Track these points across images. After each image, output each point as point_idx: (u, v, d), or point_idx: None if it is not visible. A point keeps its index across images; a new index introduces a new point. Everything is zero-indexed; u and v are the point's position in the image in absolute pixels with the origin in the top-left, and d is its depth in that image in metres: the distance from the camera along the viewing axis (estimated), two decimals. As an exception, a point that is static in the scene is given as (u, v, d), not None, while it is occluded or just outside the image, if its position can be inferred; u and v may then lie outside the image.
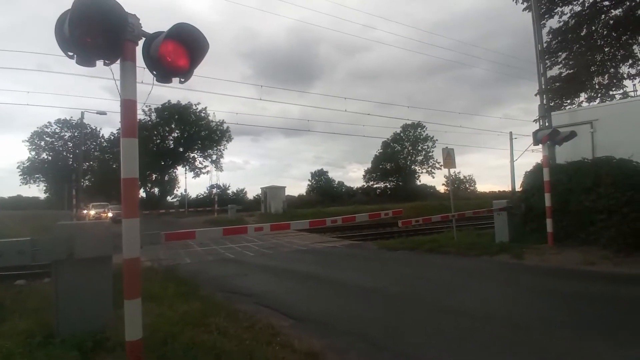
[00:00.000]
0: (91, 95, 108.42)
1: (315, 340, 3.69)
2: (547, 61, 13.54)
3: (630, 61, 15.28)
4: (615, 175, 7.56)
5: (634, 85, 15.67)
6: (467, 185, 74.14)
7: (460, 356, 3.30)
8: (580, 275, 6.24)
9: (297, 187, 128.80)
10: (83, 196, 34.82)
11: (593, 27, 14.83)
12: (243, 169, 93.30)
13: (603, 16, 14.61)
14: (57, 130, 57.43)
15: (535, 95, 12.44)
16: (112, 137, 53.00)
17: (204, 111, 49.32)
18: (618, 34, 14.55)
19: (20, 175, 56.90)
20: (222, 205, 35.96)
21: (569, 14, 14.78)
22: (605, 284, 5.62)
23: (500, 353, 3.31)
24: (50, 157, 57.12)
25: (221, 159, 52.78)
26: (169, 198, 53.96)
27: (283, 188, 33.70)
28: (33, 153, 56.63)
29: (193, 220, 30.57)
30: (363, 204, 42.90)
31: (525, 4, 14.46)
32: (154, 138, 48.88)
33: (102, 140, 58.24)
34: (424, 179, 66.06)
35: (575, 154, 9.22)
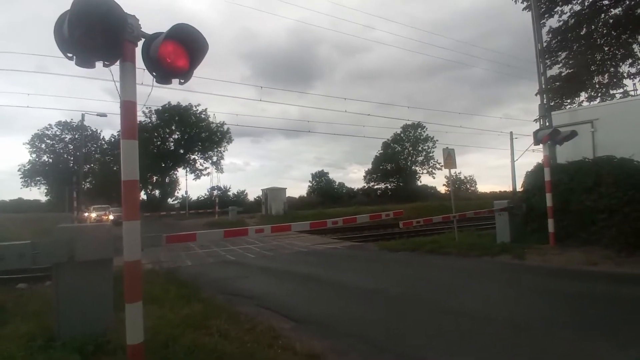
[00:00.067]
0: (91, 97, 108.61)
1: (317, 342, 3.68)
2: (547, 61, 13.54)
3: (630, 60, 15.28)
4: (617, 174, 7.55)
5: (634, 84, 15.67)
6: (468, 186, 74.09)
7: (462, 357, 3.28)
8: (582, 275, 6.22)
9: (297, 188, 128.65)
10: (84, 199, 34.81)
11: (593, 26, 14.83)
12: (243, 170, 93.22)
13: (603, 15, 14.61)
14: (57, 133, 57.49)
15: (536, 94, 12.45)
16: (113, 139, 53.03)
17: (204, 113, 49.41)
18: (618, 33, 14.54)
19: (21, 178, 56.93)
20: (222, 207, 35.94)
21: (568, 13, 14.78)
22: (607, 284, 5.60)
23: (501, 354, 3.30)
24: (51, 160, 57.15)
25: (222, 161, 52.82)
26: (169, 200, 53.99)
27: (284, 189, 33.70)
28: (34, 156, 56.70)
29: (194, 222, 30.56)
30: (364, 205, 42.85)
31: (525, 4, 14.46)
32: (155, 140, 48.90)
33: (103, 142, 58.30)
34: (425, 180, 66.03)
35: (576, 154, 9.20)
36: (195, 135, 49.64)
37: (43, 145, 57.06)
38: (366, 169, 66.07)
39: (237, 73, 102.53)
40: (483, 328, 3.95)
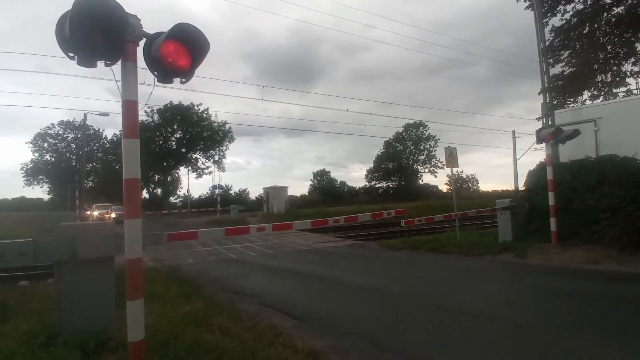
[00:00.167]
0: (94, 97, 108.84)
1: (318, 340, 3.69)
2: (549, 59, 13.48)
3: (633, 59, 15.20)
4: (620, 173, 7.52)
5: (637, 82, 15.61)
6: (470, 185, 74.04)
7: (463, 356, 3.28)
8: (584, 274, 6.21)
9: (299, 187, 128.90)
10: (86, 197, 34.91)
11: (595, 25, 14.76)
12: (245, 169, 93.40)
13: (605, 14, 14.54)
14: (60, 132, 57.71)
15: (538, 93, 12.40)
16: (115, 139, 53.17)
17: (206, 112, 49.45)
18: (620, 31, 14.48)
19: (23, 176, 57.19)
20: (224, 205, 36.00)
21: (571, 12, 14.72)
22: (610, 283, 5.59)
23: (502, 353, 3.30)
24: (53, 159, 57.37)
25: (223, 160, 52.82)
26: (171, 199, 54.12)
27: (285, 188, 33.71)
28: (36, 154, 56.95)
29: (196, 220, 30.63)
30: (365, 203, 42.87)
31: (528, 2, 14.41)
32: (157, 139, 48.97)
33: (105, 141, 58.49)
34: (427, 179, 66.06)
35: (579, 153, 9.18)
36: (197, 135, 49.67)
37: (45, 145, 57.32)
38: (368, 168, 66.22)
39: (238, 73, 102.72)
40: (484, 326, 3.95)
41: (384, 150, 63.32)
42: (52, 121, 57.78)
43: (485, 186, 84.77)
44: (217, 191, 49.50)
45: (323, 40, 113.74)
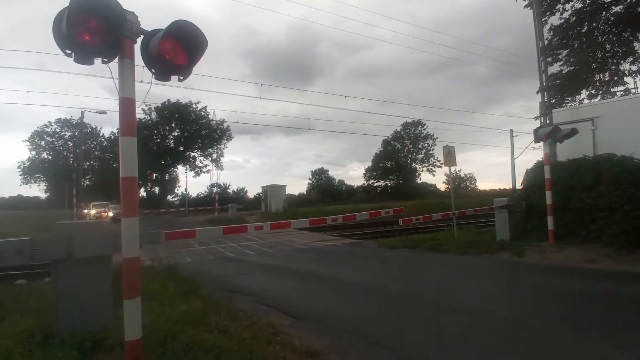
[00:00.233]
0: (91, 95, 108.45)
1: (316, 339, 3.68)
2: (548, 58, 13.49)
3: (631, 58, 15.21)
4: (617, 172, 7.53)
5: (635, 82, 15.61)
6: (468, 183, 74.17)
7: (461, 355, 3.28)
8: (582, 273, 6.22)
9: (297, 185, 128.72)
10: (84, 195, 34.84)
11: (594, 24, 14.76)
12: (243, 167, 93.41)
13: (604, 13, 14.54)
14: (57, 130, 57.54)
15: (537, 92, 12.41)
16: (113, 137, 53.01)
17: (204, 110, 49.34)
18: (619, 30, 14.48)
19: (20, 175, 57.06)
20: (222, 204, 35.97)
21: (570, 11, 14.71)
22: (607, 282, 5.60)
23: (500, 352, 3.30)
24: (50, 157, 57.19)
25: (221, 158, 52.82)
26: (169, 197, 54.00)
27: (283, 187, 33.71)
28: (33, 153, 56.79)
29: (194, 219, 30.58)
30: (363, 202, 42.87)
31: (527, 1, 14.40)
32: (154, 137, 48.84)
33: (103, 139, 58.34)
34: (425, 177, 66.09)
35: (577, 152, 9.19)
36: (195, 133, 49.59)
37: (43, 143, 57.14)
38: (366, 167, 66.30)
39: (237, 71, 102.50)
40: (482, 325, 3.95)
41: (382, 149, 63.39)
42: (49, 119, 57.67)
43: (483, 185, 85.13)
44: (215, 190, 49.54)
45: (322, 39, 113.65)
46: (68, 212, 33.36)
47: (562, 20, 14.95)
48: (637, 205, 7.09)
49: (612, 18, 14.35)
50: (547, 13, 14.69)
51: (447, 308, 4.66)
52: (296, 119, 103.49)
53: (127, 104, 2.72)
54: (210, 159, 52.29)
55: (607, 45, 15.21)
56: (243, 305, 4.93)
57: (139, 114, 43.81)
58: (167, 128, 49.92)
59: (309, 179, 66.29)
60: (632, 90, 15.45)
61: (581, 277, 6.00)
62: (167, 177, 53.16)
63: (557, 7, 14.75)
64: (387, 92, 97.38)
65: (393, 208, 9.67)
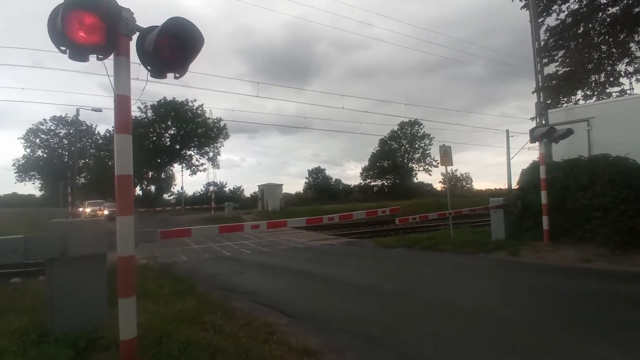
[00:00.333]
0: (86, 92, 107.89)
1: (312, 338, 3.68)
2: (544, 59, 13.55)
3: (627, 59, 15.30)
4: (612, 172, 7.58)
5: (631, 83, 15.71)
6: (464, 183, 74.48)
7: (456, 354, 3.29)
8: (577, 272, 6.26)
9: (294, 184, 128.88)
10: (79, 194, 34.59)
11: (590, 25, 14.83)
12: (240, 166, 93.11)
13: (600, 14, 14.62)
14: (52, 128, 57.24)
15: (533, 92, 12.46)
16: (108, 135, 52.75)
17: (200, 108, 49.13)
18: (615, 31, 14.56)
19: (15, 172, 56.69)
20: (219, 202, 35.84)
21: (566, 12, 14.78)
22: (602, 282, 5.64)
23: (496, 350, 3.31)
24: (45, 155, 56.87)
25: (218, 157, 52.62)
26: (165, 196, 53.78)
27: (280, 186, 33.67)
28: (28, 150, 56.46)
29: (190, 217, 30.47)
30: (360, 201, 42.92)
31: (523, 2, 14.44)
32: (150, 135, 48.58)
33: (98, 137, 58.09)
34: (421, 177, 66.28)
35: (572, 152, 9.24)
36: (191, 131, 49.40)
37: (37, 140, 56.80)
38: (363, 166, 66.29)
39: (233, 69, 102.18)
40: (478, 324, 3.96)
41: (379, 148, 63.47)
42: (44, 116, 57.43)
43: (479, 185, 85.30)
44: (211, 188, 49.28)
45: (319, 38, 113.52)
46: (63, 210, 33.12)
47: (559, 21, 15.01)
48: (632, 205, 7.14)
49: (608, 19, 14.42)
50: (544, 14, 14.74)
51: (443, 307, 4.67)
52: (293, 117, 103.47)
53: (122, 102, 2.70)
54: (206, 157, 52.15)
55: (603, 46, 15.29)
56: (239, 304, 4.92)
57: (135, 112, 43.80)
58: (163, 126, 49.67)
59: (306, 178, 66.34)
60: (628, 91, 15.55)
61: (576, 276, 6.04)
62: (163, 175, 52.95)
63: (553, 8, 14.81)
64: (384, 92, 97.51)
65: (389, 207, 9.68)
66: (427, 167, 63.18)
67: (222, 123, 49.53)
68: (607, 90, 16.02)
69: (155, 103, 46.33)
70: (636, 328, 3.72)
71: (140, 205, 37.72)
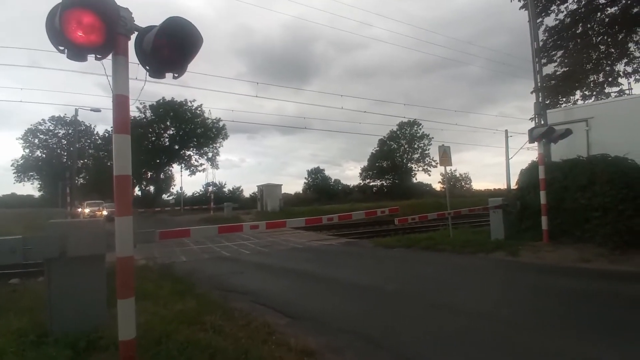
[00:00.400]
0: (85, 92, 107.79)
1: (311, 338, 3.67)
2: (543, 59, 13.57)
3: (625, 59, 15.33)
4: (611, 172, 7.59)
5: (629, 83, 15.75)
6: (463, 183, 74.54)
7: (456, 354, 3.29)
8: (576, 272, 6.26)
9: (293, 185, 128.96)
10: (77, 194, 34.54)
11: (589, 25, 14.86)
12: (239, 166, 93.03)
13: (599, 14, 14.65)
14: (51, 128, 57.13)
15: (531, 92, 12.47)
16: (107, 135, 52.69)
17: (199, 108, 49.06)
18: (614, 31, 14.59)
19: (14, 173, 56.57)
20: (218, 203, 35.81)
21: (565, 12, 14.81)
22: (601, 282, 5.64)
23: (495, 350, 3.31)
24: (44, 155, 56.75)
25: (217, 157, 52.53)
26: (164, 196, 53.73)
27: (279, 186, 33.64)
28: (27, 151, 56.33)
29: (189, 218, 30.44)
30: (359, 201, 42.93)
31: (522, 2, 14.46)
32: (149, 135, 48.51)
33: (97, 137, 58.00)
34: (420, 177, 66.33)
35: (571, 152, 9.24)
36: (190, 131, 49.33)
37: (36, 141, 56.68)
38: (362, 166, 66.36)
39: (232, 69, 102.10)
40: (477, 324, 3.96)
41: (378, 148, 63.52)
42: (43, 117, 57.29)
43: (478, 185, 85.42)
44: (210, 189, 49.29)
45: (318, 37, 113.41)
46: (62, 210, 33.07)
47: (557, 22, 15.04)
48: (631, 205, 7.14)
49: (607, 19, 14.45)
50: (543, 14, 14.76)
51: (442, 307, 4.67)
52: (292, 118, 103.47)
53: (120, 101, 2.70)
54: (205, 157, 52.05)
55: (602, 47, 15.32)
56: (238, 304, 4.91)
57: (134, 112, 43.66)
58: (162, 126, 49.59)
59: (305, 178, 66.35)
60: (626, 92, 15.57)
61: (575, 276, 6.04)
62: (162, 175, 52.89)
63: (552, 8, 14.84)
64: (383, 92, 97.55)
65: (389, 207, 9.68)
66: (426, 167, 63.31)
67: (221, 123, 49.53)
68: (606, 91, 16.06)
69: (154, 103, 46.31)
70: (636, 328, 3.72)
71: (139, 205, 37.65)
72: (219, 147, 52.05)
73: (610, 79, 15.91)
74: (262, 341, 3.48)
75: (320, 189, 60.58)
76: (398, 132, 62.24)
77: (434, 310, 4.62)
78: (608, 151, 8.33)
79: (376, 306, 4.92)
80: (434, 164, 60.67)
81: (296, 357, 3.21)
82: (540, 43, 13.27)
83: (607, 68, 15.77)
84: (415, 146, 63.32)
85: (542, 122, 11.07)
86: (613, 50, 15.19)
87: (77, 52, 2.54)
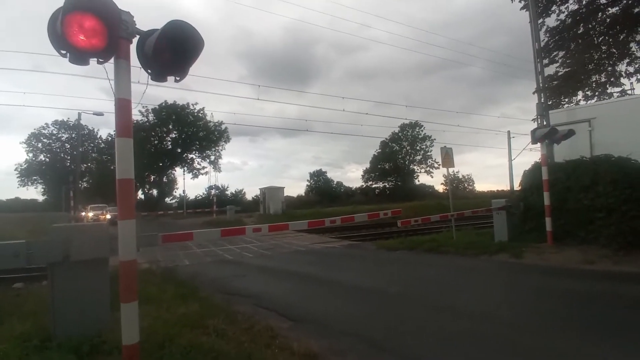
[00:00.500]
0: (88, 96, 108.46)
1: (314, 341, 3.66)
2: (544, 60, 13.54)
3: (627, 59, 15.29)
4: (614, 173, 7.55)
5: (632, 83, 15.69)
6: (466, 185, 74.37)
7: (459, 356, 3.27)
8: (580, 274, 6.22)
9: (295, 187, 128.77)
10: (81, 198, 34.68)
11: (590, 25, 14.84)
12: (241, 169, 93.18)
13: (600, 14, 14.62)
14: (54, 132, 57.44)
15: (533, 93, 12.46)
16: (110, 138, 52.87)
17: (201, 112, 49.25)
18: (615, 32, 14.55)
19: (17, 177, 56.83)
20: (220, 206, 35.89)
21: (566, 12, 14.79)
22: (605, 283, 5.60)
23: (498, 353, 3.29)
24: (47, 159, 57.03)
25: (219, 160, 52.68)
26: (167, 199, 53.80)
27: (282, 188, 33.65)
28: (30, 155, 56.66)
29: (192, 221, 30.49)
30: (362, 204, 42.90)
31: (523, 3, 14.46)
32: (152, 139, 48.73)
33: (100, 141, 58.24)
34: (423, 179, 66.32)
35: (574, 153, 9.21)
36: (192, 135, 49.51)
37: (40, 145, 57.00)
38: (364, 168, 66.35)
39: (234, 72, 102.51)
40: (481, 327, 3.94)
41: (380, 150, 63.47)
42: (46, 121, 57.49)
43: (481, 186, 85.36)
44: (213, 192, 49.27)
45: (319, 40, 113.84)
46: (65, 214, 33.20)
47: (559, 22, 15.02)
48: (635, 206, 7.11)
49: (608, 19, 14.42)
50: (544, 15, 14.75)
51: (445, 309, 4.65)
52: (294, 120, 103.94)
53: (123, 105, 2.70)
54: (208, 160, 52.23)
55: (603, 47, 15.28)
56: (241, 307, 4.90)
57: (136, 116, 43.92)
58: (165, 130, 49.81)
59: (307, 180, 66.38)
60: (629, 92, 15.52)
61: (580, 278, 6.00)
62: (164, 179, 53.04)
63: (552, 9, 14.82)
64: (384, 94, 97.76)
65: (391, 209, 9.67)
66: (428, 168, 63.20)
67: (223, 126, 49.72)
68: (608, 91, 16.00)
69: (157, 106, 46.57)
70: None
71: (142, 209, 37.78)
72: (221, 150, 52.31)
73: (612, 79, 15.86)
74: (264, 345, 3.47)
75: (323, 191, 60.57)
76: (400, 134, 62.18)
77: (437, 312, 4.60)
78: (611, 151, 8.30)
79: (379, 309, 4.90)
80: (436, 165, 60.65)
81: (299, 360, 3.20)
82: (542, 43, 13.26)
83: (609, 68, 15.73)
84: (417, 148, 63.24)
85: (545, 123, 11.05)
86: (615, 50, 15.15)
87: (79, 56, 2.55)
